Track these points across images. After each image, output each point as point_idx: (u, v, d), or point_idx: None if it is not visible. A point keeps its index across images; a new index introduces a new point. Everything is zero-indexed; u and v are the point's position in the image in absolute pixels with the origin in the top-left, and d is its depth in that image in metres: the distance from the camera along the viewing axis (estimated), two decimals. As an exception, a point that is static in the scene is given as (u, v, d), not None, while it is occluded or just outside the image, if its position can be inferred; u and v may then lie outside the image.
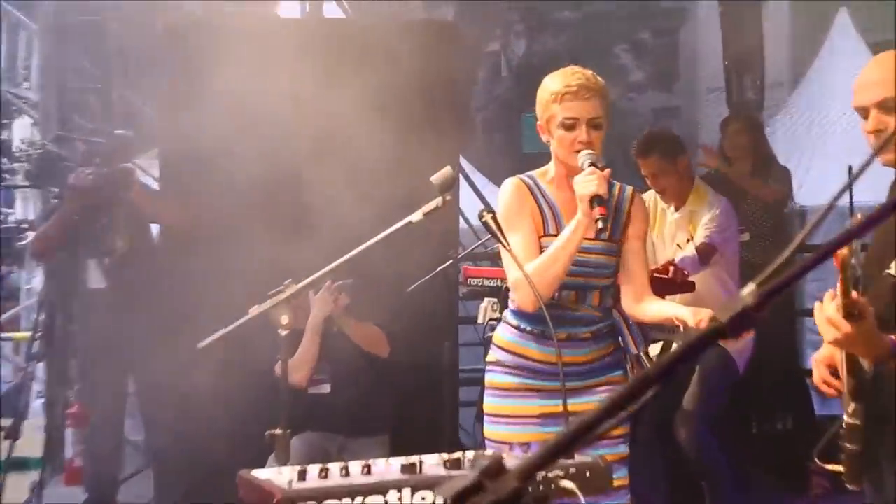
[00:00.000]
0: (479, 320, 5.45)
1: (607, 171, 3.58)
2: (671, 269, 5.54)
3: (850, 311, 2.67)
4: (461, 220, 7.50)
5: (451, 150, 6.26)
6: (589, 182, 3.53)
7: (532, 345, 3.76)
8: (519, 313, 3.78)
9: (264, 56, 5.69)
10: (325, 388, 5.54)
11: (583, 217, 3.56)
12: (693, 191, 5.82)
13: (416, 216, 3.21)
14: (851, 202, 7.33)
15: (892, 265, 2.89)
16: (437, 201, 3.18)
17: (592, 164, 3.58)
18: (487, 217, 3.42)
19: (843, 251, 2.59)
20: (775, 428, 7.31)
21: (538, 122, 3.72)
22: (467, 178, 8.71)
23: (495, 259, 6.90)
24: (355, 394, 5.51)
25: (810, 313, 9.20)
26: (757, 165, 7.15)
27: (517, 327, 3.79)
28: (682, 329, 3.59)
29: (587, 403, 3.73)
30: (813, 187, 10.97)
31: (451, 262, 5.88)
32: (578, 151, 3.62)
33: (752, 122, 7.63)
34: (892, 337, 2.76)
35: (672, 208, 5.83)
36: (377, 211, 4.67)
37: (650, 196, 5.94)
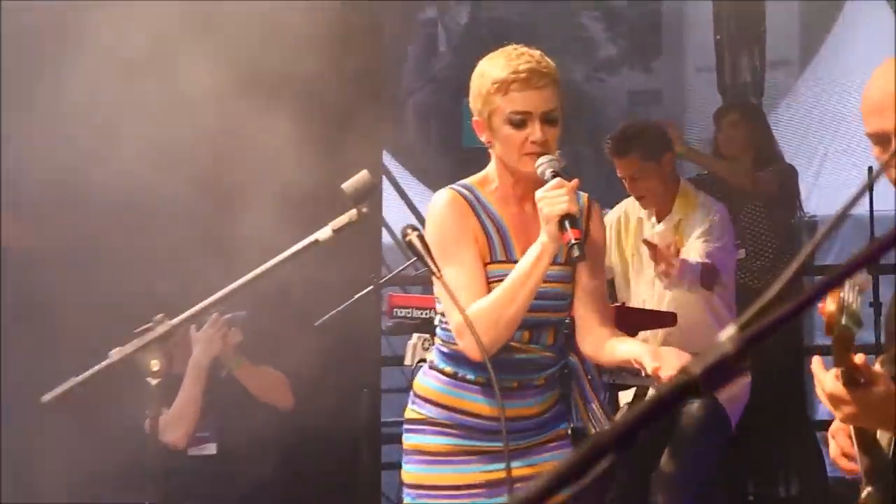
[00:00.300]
0: (407, 361, 5.45)
1: (575, 181, 3.56)
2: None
3: (853, 379, 2.66)
4: (385, 235, 7.53)
5: (372, 146, 6.26)
6: (556, 198, 3.50)
7: (477, 398, 3.74)
8: (456, 357, 3.75)
9: (142, 44, 5.69)
10: (211, 449, 5.51)
11: (549, 242, 3.53)
12: (679, 195, 5.85)
13: (323, 233, 3.20)
14: (872, 211, 7.46)
15: None
16: (350, 215, 3.17)
17: (556, 174, 3.56)
18: (413, 236, 3.39)
19: (830, 307, 2.55)
20: (777, 493, 7.39)
21: (474, 119, 3.70)
22: (393, 181, 8.75)
23: (428, 284, 6.92)
24: (248, 456, 5.49)
25: (821, 350, 9.32)
26: (758, 164, 7.25)
27: (454, 375, 3.76)
28: (643, 374, 3.61)
29: (539, 465, 3.76)
30: (827, 192, 11.13)
31: (371, 287, 5.89)
32: (531, 154, 3.62)
33: (752, 112, 7.74)
34: None
35: (653, 218, 5.87)
36: (280, 226, 4.66)
37: (628, 204, 5.97)
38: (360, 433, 6.20)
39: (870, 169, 7.38)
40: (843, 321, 2.56)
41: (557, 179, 3.54)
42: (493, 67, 3.65)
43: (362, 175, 3.26)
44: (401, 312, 5.74)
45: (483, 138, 3.72)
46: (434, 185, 14.42)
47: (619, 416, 5.40)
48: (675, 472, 5.68)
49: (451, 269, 3.59)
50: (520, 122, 3.61)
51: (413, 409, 3.82)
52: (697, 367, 1.39)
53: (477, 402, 3.74)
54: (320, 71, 5.87)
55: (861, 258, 1.65)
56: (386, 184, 8.27)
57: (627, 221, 5.97)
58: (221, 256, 5.31)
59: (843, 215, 1.74)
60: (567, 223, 3.49)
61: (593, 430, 3.87)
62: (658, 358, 3.52)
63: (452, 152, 16.96)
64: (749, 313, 1.51)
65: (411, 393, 3.85)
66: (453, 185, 3.76)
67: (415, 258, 3.50)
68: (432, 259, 3.37)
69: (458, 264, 3.63)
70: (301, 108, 5.72)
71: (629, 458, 5.30)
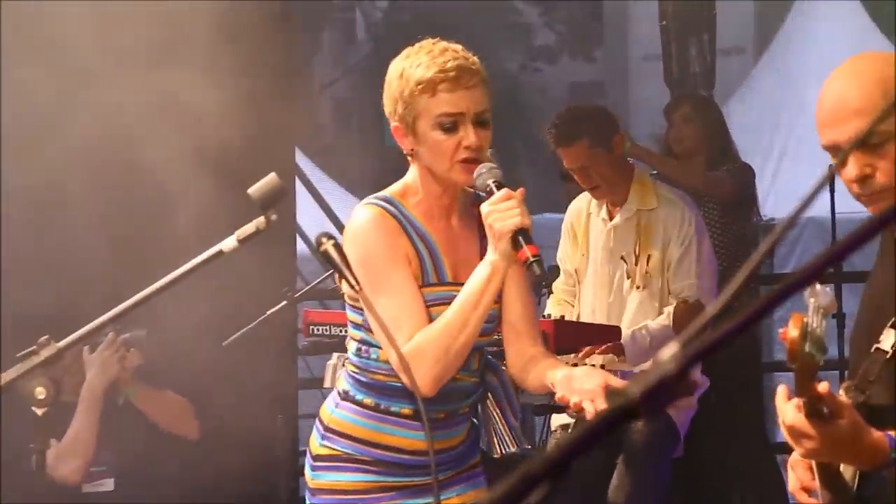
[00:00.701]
0: (327, 383, 5.45)
1: (521, 190, 3.53)
2: None
3: (817, 411, 2.68)
4: (300, 244, 7.51)
5: (282, 145, 6.25)
6: (507, 212, 3.46)
7: (402, 431, 3.74)
8: (378, 387, 3.74)
9: (41, 44, 5.69)
10: (108, 485, 5.48)
11: (500, 260, 3.52)
12: (635, 181, 5.84)
13: (227, 244, 3.18)
14: (834, 213, 7.57)
15: (885, 336, 2.90)
16: (258, 223, 3.16)
17: (500, 184, 3.52)
18: (328, 245, 3.35)
19: (793, 332, 2.55)
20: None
21: (392, 125, 3.66)
22: (308, 183, 8.74)
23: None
24: (151, 492, 5.47)
25: (779, 367, 9.36)
26: (712, 163, 7.31)
27: (375, 407, 3.75)
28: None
29: (461, 496, 3.81)
30: (786, 193, 11.24)
31: (285, 303, 5.87)
32: (465, 161, 3.58)
33: (705, 106, 7.80)
34: (891, 434, 2.77)
35: (603, 212, 5.88)
36: (185, 236, 4.65)
37: (582, 202, 5.99)
38: (275, 463, 6.19)
39: (831, 166, 7.47)
40: (807, 349, 2.55)
41: (505, 190, 3.50)
42: (414, 66, 3.59)
43: (271, 178, 3.24)
44: (318, 330, 5.73)
45: (404, 146, 3.67)
46: (354, 188, 14.42)
47: (551, 441, 5.44)
48: (630, 490, 5.71)
49: (385, 297, 3.55)
50: (451, 125, 3.57)
51: (324, 445, 3.78)
52: (637, 389, 1.40)
53: (401, 436, 3.74)
54: (221, 62, 5.85)
55: (815, 266, 1.67)
56: (299, 187, 8.25)
57: (579, 221, 5.98)
58: (119, 269, 5.30)
59: (792, 222, 1.75)
60: (521, 238, 3.47)
61: (500, 453, 3.91)
62: (568, 387, 3.49)
63: (374, 151, 16.96)
64: (694, 328, 1.52)
65: (319, 426, 3.80)
66: (373, 200, 3.69)
67: (332, 270, 3.48)
68: (351, 271, 3.32)
69: (393, 292, 3.59)
70: (202, 103, 5.70)
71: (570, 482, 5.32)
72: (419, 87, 3.57)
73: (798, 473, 2.98)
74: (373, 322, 3.54)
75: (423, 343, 3.55)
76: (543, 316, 5.53)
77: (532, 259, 3.46)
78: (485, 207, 3.51)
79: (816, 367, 2.61)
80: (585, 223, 5.94)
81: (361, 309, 3.66)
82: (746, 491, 7.47)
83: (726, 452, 7.08)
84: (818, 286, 2.55)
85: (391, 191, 3.72)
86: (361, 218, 3.65)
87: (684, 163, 7.25)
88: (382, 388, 3.73)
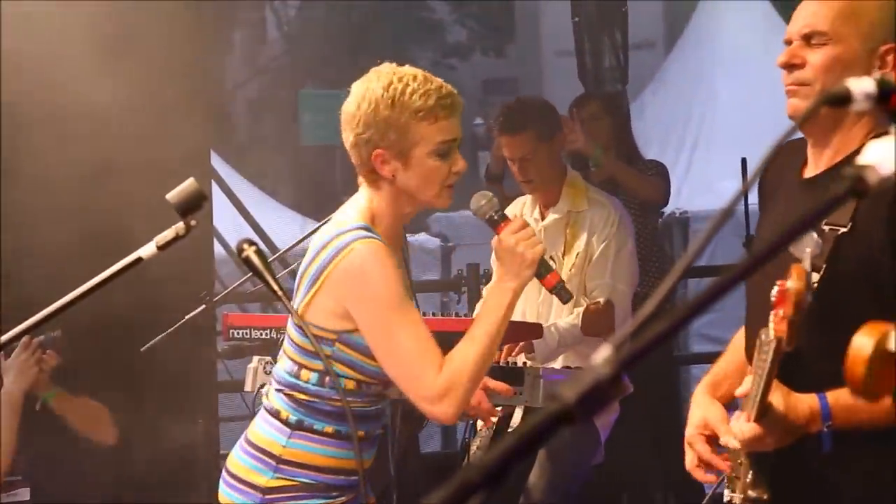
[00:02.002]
0: (247, 387, 5.42)
1: (516, 215, 3.66)
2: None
3: (764, 408, 2.79)
4: (217, 247, 7.47)
5: (197, 148, 6.21)
6: (533, 240, 3.59)
7: (350, 454, 3.78)
8: (339, 414, 3.74)
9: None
10: (24, 494, 5.43)
11: (519, 287, 3.60)
12: (567, 183, 5.89)
13: (147, 250, 3.15)
14: (747, 205, 7.62)
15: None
16: (177, 228, 3.13)
17: (502, 212, 3.66)
18: (249, 251, 3.33)
19: (798, 284, 2.64)
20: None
21: (376, 151, 3.62)
22: (223, 185, 8.68)
23: (269, 300, 6.87)
24: (68, 500, 5.42)
25: (698, 359, 9.40)
26: (620, 159, 7.36)
27: (336, 434, 3.77)
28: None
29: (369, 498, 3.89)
30: (698, 185, 11.33)
31: (203, 307, 5.84)
32: (451, 186, 3.66)
33: (614, 103, 7.85)
34: (824, 396, 2.88)
35: (536, 212, 5.91)
36: (102, 240, 4.62)
37: (517, 205, 6.01)
38: (196, 467, 6.15)
39: (743, 160, 7.53)
40: (810, 298, 2.67)
41: (521, 219, 3.64)
42: (408, 94, 3.60)
43: (189, 183, 3.21)
44: (238, 333, 5.69)
45: (383, 172, 3.64)
46: (272, 189, 14.33)
47: (474, 441, 5.45)
48: (546, 487, 5.72)
49: (405, 333, 3.57)
50: (446, 152, 3.63)
51: (279, 477, 3.77)
52: (572, 393, 1.40)
53: (351, 459, 3.78)
54: (132, 65, 5.80)
55: (745, 267, 1.69)
56: (215, 189, 8.20)
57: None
58: (35, 275, 5.25)
59: (722, 221, 1.77)
60: (542, 267, 3.60)
61: None
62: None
63: (289, 151, 16.87)
64: (626, 331, 1.53)
65: (268, 460, 3.79)
66: (363, 233, 3.62)
67: (252, 273, 3.45)
68: (273, 277, 3.31)
69: (412, 326, 3.60)
70: (114, 107, 5.65)
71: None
72: (419, 114, 3.59)
73: (697, 448, 3.05)
74: (389, 357, 3.60)
75: (459, 375, 3.56)
76: (466, 315, 5.54)
77: (560, 284, 3.64)
78: (509, 237, 3.59)
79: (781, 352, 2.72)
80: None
81: (332, 340, 3.65)
82: (660, 485, 7.53)
83: (641, 447, 7.12)
84: (813, 235, 2.71)
85: (362, 218, 3.68)
86: (364, 254, 3.59)
87: (644, 176, 7.28)
88: (341, 414, 3.73)
